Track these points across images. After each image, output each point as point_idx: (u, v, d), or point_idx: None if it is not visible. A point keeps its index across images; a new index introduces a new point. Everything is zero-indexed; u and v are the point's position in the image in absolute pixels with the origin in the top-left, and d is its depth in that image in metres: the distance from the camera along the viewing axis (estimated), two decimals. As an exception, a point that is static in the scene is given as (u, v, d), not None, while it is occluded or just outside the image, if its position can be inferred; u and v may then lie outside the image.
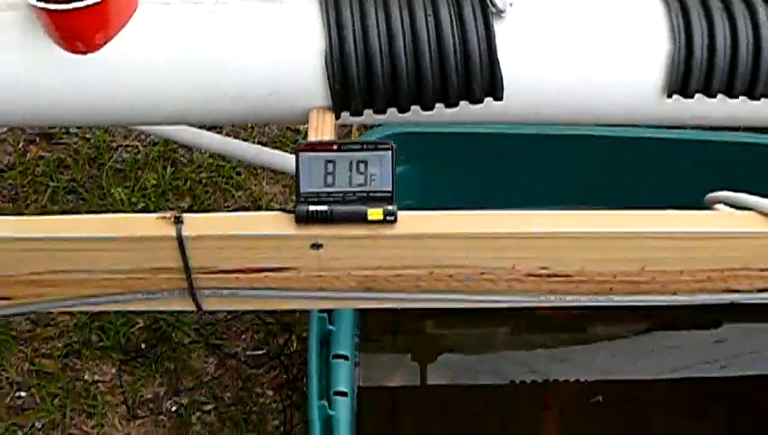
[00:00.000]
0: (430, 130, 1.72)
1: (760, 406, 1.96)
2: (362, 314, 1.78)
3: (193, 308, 1.02)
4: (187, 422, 1.89)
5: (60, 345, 1.97)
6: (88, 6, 0.95)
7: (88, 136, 2.43)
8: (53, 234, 0.93)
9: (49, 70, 1.00)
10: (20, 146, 2.39)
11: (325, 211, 0.91)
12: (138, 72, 1.01)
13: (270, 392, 1.94)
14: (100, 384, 1.93)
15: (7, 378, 1.93)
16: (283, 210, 0.93)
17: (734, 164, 1.78)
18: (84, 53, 1.00)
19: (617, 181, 1.90)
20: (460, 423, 1.89)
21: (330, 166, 0.91)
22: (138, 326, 2.01)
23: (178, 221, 0.92)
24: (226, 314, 2.04)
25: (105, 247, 0.94)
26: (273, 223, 0.93)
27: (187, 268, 0.96)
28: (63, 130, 2.44)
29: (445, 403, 1.94)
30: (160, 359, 1.96)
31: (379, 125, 1.76)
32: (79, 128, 2.45)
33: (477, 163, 1.79)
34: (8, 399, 1.91)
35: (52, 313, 2.03)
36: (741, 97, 1.04)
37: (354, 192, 0.92)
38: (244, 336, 2.02)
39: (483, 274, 0.98)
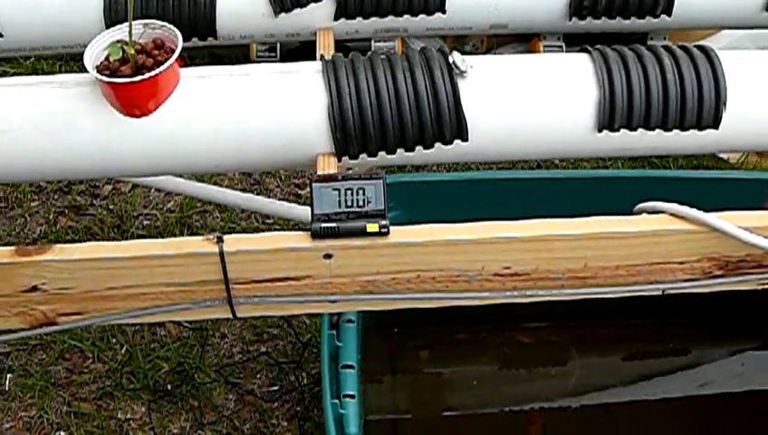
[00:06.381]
0: (410, 180, 2.00)
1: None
2: (364, 350, 2.01)
3: (230, 316, 1.27)
4: (211, 452, 2.11)
5: (94, 389, 2.19)
6: (143, 80, 1.24)
7: (111, 207, 2.70)
8: (122, 254, 1.19)
9: (112, 131, 1.28)
10: (50, 217, 2.65)
11: (334, 227, 1.17)
12: (181, 130, 1.29)
13: (285, 423, 2.15)
14: (131, 422, 2.15)
15: (48, 419, 2.14)
16: (302, 229, 1.20)
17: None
18: (140, 116, 1.28)
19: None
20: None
21: (336, 193, 1.18)
22: (164, 370, 2.24)
23: (220, 241, 1.18)
24: (242, 356, 2.28)
25: (162, 264, 1.19)
26: (294, 239, 1.19)
27: (226, 279, 1.21)
28: (89, 202, 2.71)
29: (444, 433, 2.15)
30: (185, 397, 2.18)
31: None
32: (103, 199, 2.73)
33: (452, 206, 2.04)
34: (49, 438, 2.13)
35: (86, 360, 2.26)
36: (657, 130, 1.33)
37: (356, 212, 1.18)
38: (259, 375, 2.25)
39: (458, 275, 1.23)
